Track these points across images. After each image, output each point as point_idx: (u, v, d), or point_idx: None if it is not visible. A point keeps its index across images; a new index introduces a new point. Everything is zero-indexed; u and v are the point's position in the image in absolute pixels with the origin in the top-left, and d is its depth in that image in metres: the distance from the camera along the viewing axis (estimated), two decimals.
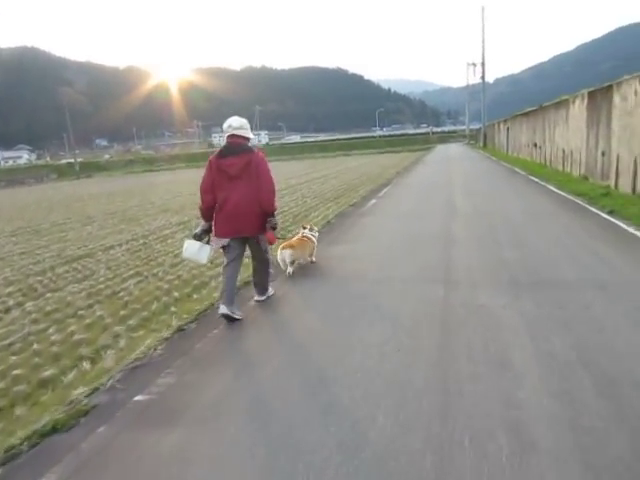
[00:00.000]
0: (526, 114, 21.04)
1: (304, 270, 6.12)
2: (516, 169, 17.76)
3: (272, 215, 4.53)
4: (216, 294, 5.28)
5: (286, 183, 19.26)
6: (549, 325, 3.77)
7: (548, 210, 9.17)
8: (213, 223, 4.52)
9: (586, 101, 11.63)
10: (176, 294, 5.54)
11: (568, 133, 13.44)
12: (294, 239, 6.11)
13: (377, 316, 4.31)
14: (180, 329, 4.45)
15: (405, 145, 64.11)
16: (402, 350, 3.54)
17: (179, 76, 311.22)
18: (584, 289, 4.58)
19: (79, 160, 65.29)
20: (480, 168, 20.73)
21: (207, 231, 4.61)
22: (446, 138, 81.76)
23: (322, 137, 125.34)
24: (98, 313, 5.10)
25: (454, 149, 46.93)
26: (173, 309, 5.04)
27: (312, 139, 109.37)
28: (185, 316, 4.76)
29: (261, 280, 4.90)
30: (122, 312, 5.07)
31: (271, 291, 5.08)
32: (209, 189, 4.42)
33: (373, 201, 11.75)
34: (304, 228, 6.37)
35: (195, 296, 5.46)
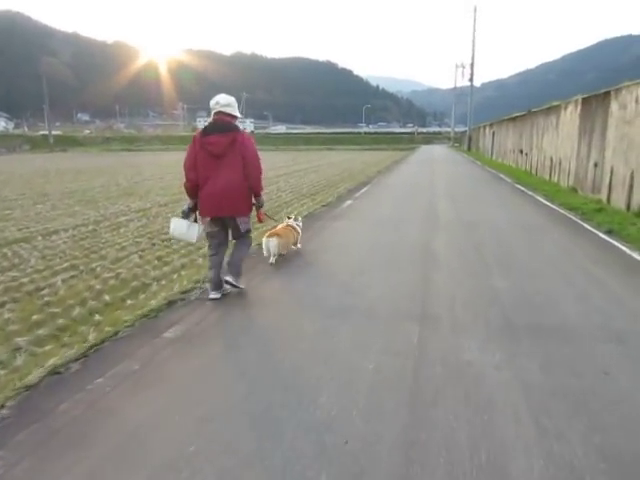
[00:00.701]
0: (513, 119, 20.53)
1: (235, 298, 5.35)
2: (501, 175, 17.28)
3: (259, 195, 4.59)
4: (153, 301, 4.52)
5: (264, 174, 18.37)
6: (563, 408, 2.64)
7: (538, 224, 8.40)
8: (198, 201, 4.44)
9: (579, 108, 11.04)
10: (107, 297, 4.71)
11: (558, 141, 12.89)
12: (279, 228, 6.10)
13: (325, 377, 3.03)
14: (94, 347, 3.63)
15: (390, 143, 63.94)
16: (350, 443, 2.33)
17: (168, 56, 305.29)
18: (597, 341, 3.55)
19: (56, 133, 63.21)
20: (464, 172, 20.21)
21: (193, 209, 4.52)
22: (431, 139, 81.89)
23: (308, 129, 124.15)
24: (6, 315, 4.23)
25: (438, 151, 46.65)
26: (98, 317, 4.21)
27: (298, 131, 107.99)
28: (108, 329, 3.93)
29: (235, 260, 4.64)
30: (36, 317, 4.21)
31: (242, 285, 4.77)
32: (192, 166, 4.33)
33: (349, 202, 10.90)
34: (289, 218, 6.47)
35: (129, 302, 4.62)
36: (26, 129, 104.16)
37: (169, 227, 4.84)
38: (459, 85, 62.34)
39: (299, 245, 6.50)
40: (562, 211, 9.50)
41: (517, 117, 19.55)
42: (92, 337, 3.79)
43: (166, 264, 5.92)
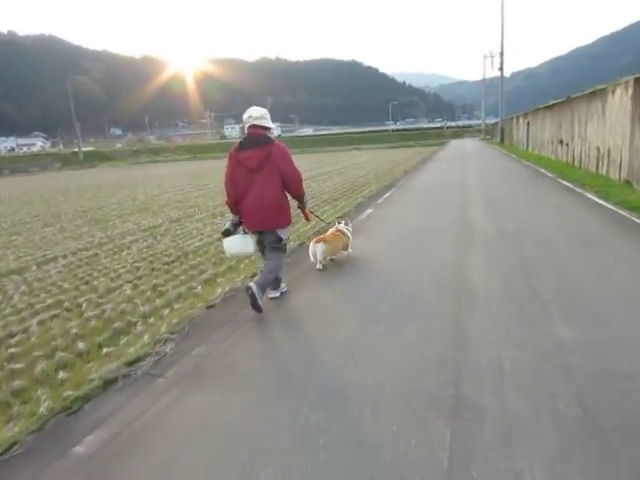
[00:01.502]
0: (550, 107, 19.06)
1: None
2: (541, 170, 15.54)
3: (301, 199, 4.67)
4: (132, 349, 3.79)
5: None
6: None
7: (598, 233, 6.58)
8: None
9: (631, 90, 9.74)
10: (82, 345, 3.97)
11: (605, 129, 11.56)
12: (328, 233, 5.95)
13: None
14: (43, 422, 2.85)
15: (418, 140, 62.28)
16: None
17: (194, 66, 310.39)
18: None
19: (89, 149, 64.24)
20: (500, 168, 18.26)
21: (237, 225, 4.50)
22: (461, 133, 79.56)
23: (335, 130, 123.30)
24: None
25: (469, 145, 44.85)
26: (62, 375, 3.46)
27: (324, 132, 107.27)
28: (68, 393, 3.17)
29: (267, 273, 4.46)
30: None
31: (284, 287, 4.90)
32: (231, 182, 4.36)
33: (369, 210, 9.72)
34: (339, 222, 6.23)
35: (105, 350, 3.86)
36: (61, 147, 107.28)
37: (223, 249, 4.75)
38: (488, 76, 60.60)
39: (350, 250, 6.12)
40: (623, 213, 7.74)
41: (555, 105, 18.09)
42: (44, 408, 3.04)
43: (160, 295, 5.18)
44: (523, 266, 5.17)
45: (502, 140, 38.47)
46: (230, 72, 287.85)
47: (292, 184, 4.41)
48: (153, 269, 6.38)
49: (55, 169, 51.31)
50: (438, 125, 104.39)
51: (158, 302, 4.93)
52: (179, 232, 8.99)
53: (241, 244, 4.48)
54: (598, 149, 12.20)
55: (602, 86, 11.86)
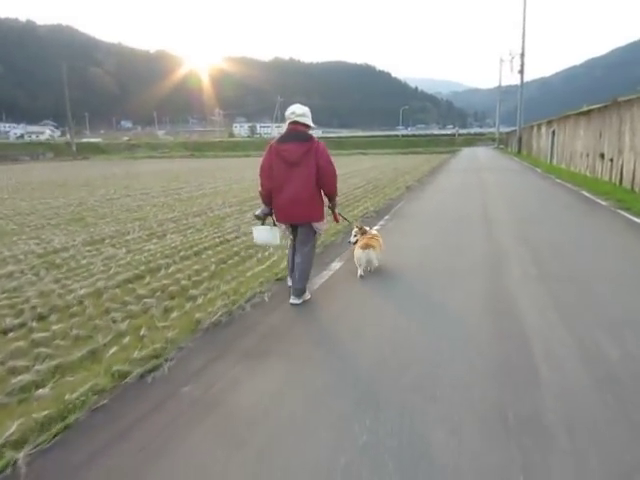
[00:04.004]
0: (585, 113, 16.14)
1: None
2: (584, 193, 11.93)
3: (334, 198, 4.74)
4: None
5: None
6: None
7: None
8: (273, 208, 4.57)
9: None
10: None
11: None
12: (368, 239, 5.50)
13: None
14: None
15: (428, 146, 59.69)
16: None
17: (208, 63, 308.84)
18: None
19: (91, 140, 61.78)
20: (527, 186, 14.53)
21: (267, 214, 4.63)
22: (473, 141, 76.86)
23: (343, 133, 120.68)
24: None
25: (483, 154, 41.93)
26: None
27: (331, 135, 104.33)
28: None
29: (302, 272, 4.56)
30: None
31: (307, 295, 4.69)
32: (267, 174, 4.45)
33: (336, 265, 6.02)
34: (366, 227, 5.86)
35: None
36: (68, 137, 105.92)
37: (252, 236, 4.97)
38: (503, 83, 57.84)
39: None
40: None
41: (592, 110, 15.19)
42: None
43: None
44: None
45: (520, 150, 35.53)
46: (244, 71, 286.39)
47: (328, 181, 4.49)
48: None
49: (47, 159, 48.84)
50: (449, 132, 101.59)
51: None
52: (82, 263, 6.38)
53: (269, 235, 4.70)
54: None
55: None
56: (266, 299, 4.73)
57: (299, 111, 4.46)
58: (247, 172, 24.64)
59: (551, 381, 2.94)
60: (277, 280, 5.42)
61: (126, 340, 3.80)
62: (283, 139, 4.43)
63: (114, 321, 4.24)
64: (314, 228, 4.60)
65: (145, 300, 4.79)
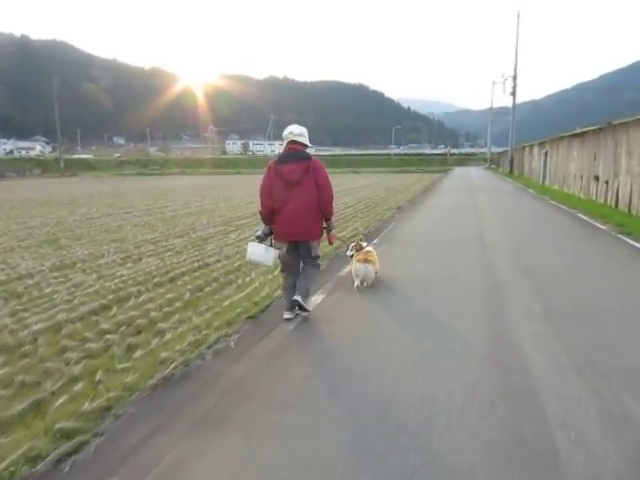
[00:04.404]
0: (579, 135, 15.96)
1: None
2: (580, 215, 11.49)
3: (329, 219, 4.77)
4: None
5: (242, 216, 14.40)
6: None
7: None
8: (273, 227, 4.63)
9: None
10: None
11: None
12: (365, 254, 5.76)
13: None
14: None
15: (420, 165, 59.99)
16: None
17: (203, 80, 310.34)
18: None
19: (82, 157, 60.97)
20: (522, 209, 14.06)
21: (268, 234, 4.71)
22: (464, 160, 77.36)
23: (337, 151, 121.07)
24: None
25: (475, 174, 41.96)
26: None
27: (324, 153, 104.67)
28: None
29: (304, 282, 4.66)
30: None
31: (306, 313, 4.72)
32: (268, 193, 4.52)
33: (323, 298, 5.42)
34: (352, 244, 6.08)
35: None
36: (58, 152, 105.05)
37: (247, 252, 4.84)
38: (494, 105, 58.34)
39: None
40: None
41: (586, 132, 15.00)
42: None
43: None
44: None
45: (511, 170, 35.49)
46: (238, 88, 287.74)
47: (325, 200, 4.58)
48: None
49: (34, 175, 48.11)
50: (441, 151, 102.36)
51: None
52: (46, 291, 6.01)
53: (263, 255, 4.68)
54: None
55: None
56: (232, 345, 4.11)
57: (297, 131, 4.60)
58: (236, 190, 24.24)
59: (574, 464, 2.32)
60: (257, 308, 4.98)
61: (78, 387, 3.32)
62: (282, 159, 4.52)
63: (68, 363, 3.75)
64: (310, 247, 4.65)
65: (107, 336, 4.31)
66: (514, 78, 34.78)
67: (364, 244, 6.09)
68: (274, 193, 4.46)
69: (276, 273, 6.59)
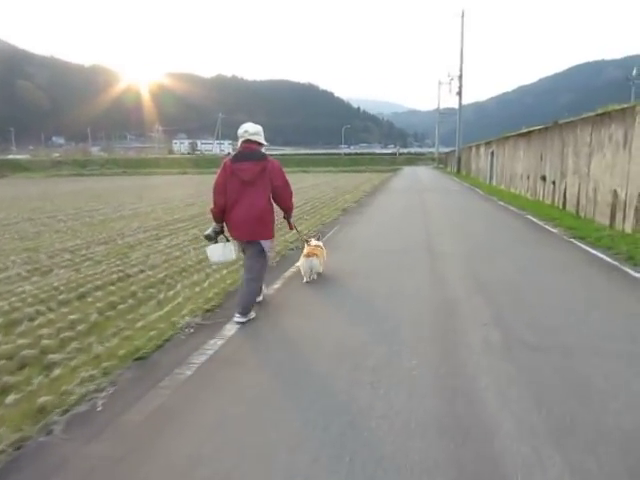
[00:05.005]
0: (526, 135, 15.95)
1: None
2: (530, 217, 11.18)
3: (289, 212, 4.93)
4: None
5: (176, 220, 13.42)
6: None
7: None
8: (225, 225, 4.62)
9: None
10: None
11: (630, 165, 8.20)
12: (312, 248, 5.96)
13: None
14: None
15: (370, 165, 60.25)
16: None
17: (147, 79, 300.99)
18: None
19: (23, 157, 56.84)
20: (471, 211, 13.56)
21: (218, 232, 4.68)
22: (413, 160, 78.39)
23: (287, 151, 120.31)
24: None
25: (424, 173, 42.32)
26: None
27: (274, 152, 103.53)
28: None
29: (254, 286, 4.65)
30: None
31: (252, 314, 4.63)
32: (221, 191, 4.47)
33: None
34: (307, 241, 6.19)
35: None
36: None
37: (207, 257, 4.91)
38: (441, 106, 59.42)
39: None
40: None
41: (532, 132, 14.95)
42: None
43: None
44: None
45: (459, 170, 35.91)
46: (185, 87, 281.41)
47: (284, 196, 4.69)
48: None
49: None
50: (391, 151, 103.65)
51: None
52: None
53: (223, 252, 4.69)
54: (615, 193, 8.71)
55: (623, 105, 8.55)
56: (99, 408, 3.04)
57: (252, 130, 4.54)
58: (178, 191, 23.06)
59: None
60: (173, 330, 4.17)
61: None
62: (238, 158, 4.46)
63: None
64: (263, 246, 4.61)
65: None
66: (460, 77, 35.22)
67: (312, 239, 6.26)
68: (228, 191, 4.42)
69: (205, 285, 5.88)
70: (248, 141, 4.51)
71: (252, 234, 4.53)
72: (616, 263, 6.58)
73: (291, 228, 5.32)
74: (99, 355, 3.84)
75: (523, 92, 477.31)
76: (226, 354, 3.83)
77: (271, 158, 4.57)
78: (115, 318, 4.77)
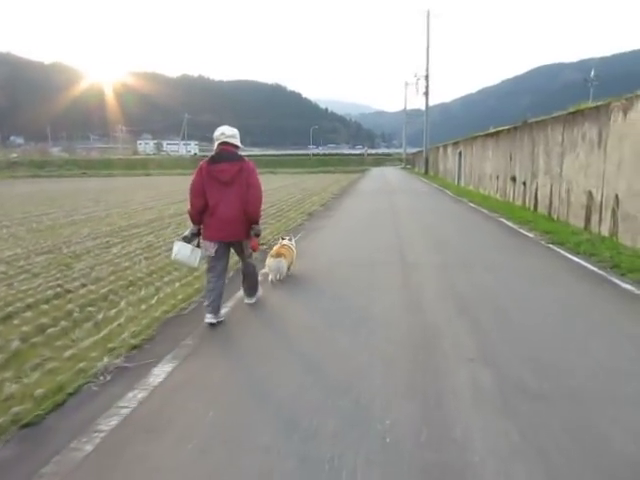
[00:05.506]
0: (494, 134, 15.77)
1: None
2: (503, 220, 10.83)
3: (257, 222, 4.68)
4: None
5: (134, 224, 12.59)
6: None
7: None
8: (202, 227, 4.61)
9: None
10: None
11: (605, 165, 7.92)
12: (279, 248, 5.97)
13: None
14: None
15: (339, 166, 60.00)
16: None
17: (112, 78, 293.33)
18: None
19: None
20: (442, 214, 12.97)
21: (196, 235, 4.66)
22: (381, 161, 78.61)
23: (255, 152, 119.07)
24: None
25: (392, 174, 42.24)
26: None
27: (246, 153, 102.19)
28: None
29: (250, 285, 5.02)
30: None
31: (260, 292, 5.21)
32: (199, 193, 4.47)
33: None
34: (283, 239, 6.32)
35: None
36: None
37: (172, 251, 4.73)
38: (407, 107, 59.72)
39: (293, 266, 6.11)
40: None
41: (500, 132, 14.75)
42: None
43: None
44: None
45: (427, 171, 35.88)
46: (150, 86, 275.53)
47: (254, 201, 4.54)
48: None
49: None
50: (359, 152, 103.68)
51: None
52: None
53: (189, 255, 4.61)
54: (590, 195, 8.41)
55: (597, 103, 8.27)
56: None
57: (229, 132, 4.60)
58: (138, 193, 22.06)
59: None
60: (110, 357, 3.49)
61: None
62: (215, 159, 4.48)
63: None
64: (244, 246, 4.70)
65: None
66: (426, 78, 35.21)
67: (285, 239, 6.30)
68: (207, 193, 4.43)
69: (153, 302, 5.22)
70: (225, 143, 4.55)
71: (235, 234, 4.55)
72: (602, 273, 6.15)
73: (255, 249, 4.94)
74: (12, 396, 3.18)
75: (486, 94, 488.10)
76: (144, 414, 2.97)
77: (247, 159, 4.60)
78: (42, 345, 4.13)
